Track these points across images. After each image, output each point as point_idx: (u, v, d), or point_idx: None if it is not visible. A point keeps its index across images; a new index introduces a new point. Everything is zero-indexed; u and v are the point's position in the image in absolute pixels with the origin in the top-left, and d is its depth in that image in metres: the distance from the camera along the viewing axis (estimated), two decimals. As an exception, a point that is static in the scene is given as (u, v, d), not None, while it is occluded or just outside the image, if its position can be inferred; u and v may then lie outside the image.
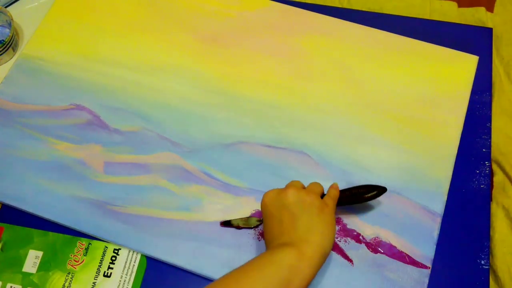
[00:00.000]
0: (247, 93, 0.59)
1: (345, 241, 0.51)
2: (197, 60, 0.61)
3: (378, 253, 0.51)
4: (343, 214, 0.52)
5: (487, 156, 0.57)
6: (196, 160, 0.55)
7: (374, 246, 0.51)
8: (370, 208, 0.52)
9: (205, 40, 0.62)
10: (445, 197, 0.53)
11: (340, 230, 0.52)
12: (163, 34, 0.62)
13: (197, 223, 0.53)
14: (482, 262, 0.52)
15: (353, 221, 0.52)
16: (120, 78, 0.60)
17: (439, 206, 0.52)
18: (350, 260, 0.51)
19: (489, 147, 0.57)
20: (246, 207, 0.53)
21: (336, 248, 0.51)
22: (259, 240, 0.52)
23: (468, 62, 0.59)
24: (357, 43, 0.61)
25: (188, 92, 0.59)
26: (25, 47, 0.62)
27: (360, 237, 0.52)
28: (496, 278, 0.53)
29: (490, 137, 0.57)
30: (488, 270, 0.51)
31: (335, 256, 0.51)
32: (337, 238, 0.51)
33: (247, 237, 0.52)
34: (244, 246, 0.51)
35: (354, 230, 0.52)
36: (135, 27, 0.63)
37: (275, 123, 0.57)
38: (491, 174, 0.56)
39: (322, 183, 0.51)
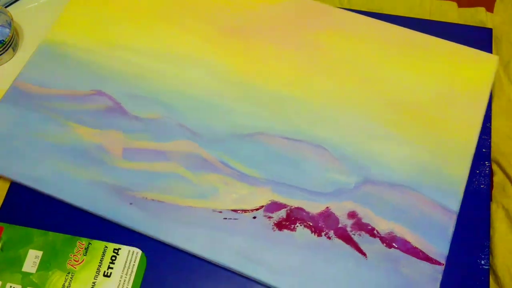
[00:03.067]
0: (267, 85, 0.53)
1: (359, 235, 0.46)
2: (218, 51, 0.55)
3: (392, 248, 0.45)
4: (358, 208, 0.47)
5: (487, 156, 0.51)
6: (214, 149, 0.50)
7: (389, 241, 0.45)
8: (385, 203, 0.47)
9: (226, 32, 0.56)
10: (461, 195, 0.47)
11: (354, 224, 0.46)
12: (186, 24, 0.56)
13: (213, 211, 0.47)
14: (482, 262, 0.46)
15: (368, 216, 0.46)
16: (142, 66, 0.54)
17: (455, 203, 0.47)
18: (363, 254, 0.45)
19: (489, 147, 0.51)
20: (261, 197, 0.47)
21: (350, 241, 0.46)
22: (274, 231, 0.46)
23: (489, 62, 0.53)
24: (378, 39, 0.55)
25: (208, 82, 0.53)
26: (49, 32, 0.56)
27: (375, 232, 0.46)
28: (496, 278, 0.47)
29: (490, 137, 0.51)
30: (488, 270, 0.46)
31: (348, 249, 0.45)
32: (351, 231, 0.46)
33: (263, 227, 0.46)
34: (259, 235, 0.46)
35: (369, 224, 0.46)
36: (159, 16, 0.57)
37: (294, 116, 0.51)
38: (491, 174, 0.50)
39: (338, 177, 0.47)
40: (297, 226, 0.46)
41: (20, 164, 0.49)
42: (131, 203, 0.47)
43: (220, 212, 0.47)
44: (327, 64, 0.53)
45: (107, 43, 0.55)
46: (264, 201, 0.47)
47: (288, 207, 0.47)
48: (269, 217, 0.46)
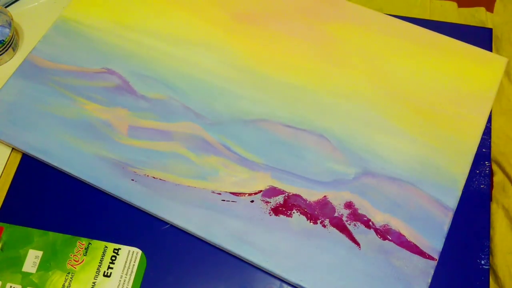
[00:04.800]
0: (273, 72, 0.50)
1: (355, 225, 0.43)
2: (227, 37, 0.52)
3: (386, 240, 0.42)
4: (355, 198, 0.44)
5: (487, 156, 0.47)
6: (217, 132, 0.47)
7: (383, 233, 0.43)
8: (383, 196, 0.44)
9: (237, 18, 0.53)
10: (459, 193, 0.44)
11: (350, 214, 0.44)
12: (199, 9, 0.53)
13: (212, 193, 0.44)
14: (482, 262, 0.43)
15: (364, 207, 0.44)
16: (152, 48, 0.52)
17: (452, 201, 0.44)
18: (357, 244, 0.42)
19: (489, 147, 0.48)
20: (260, 182, 0.45)
21: (345, 230, 0.43)
22: (270, 216, 0.43)
23: (497, 63, 0.49)
24: (387, 34, 0.51)
25: (216, 67, 0.50)
26: (65, 10, 0.54)
27: (370, 223, 0.43)
28: (496, 278, 0.43)
29: (490, 137, 0.48)
30: (488, 270, 0.43)
31: (343, 238, 0.43)
32: (347, 221, 0.43)
33: (260, 211, 0.44)
34: (255, 219, 0.43)
35: (365, 216, 0.44)
36: (173, 0, 0.54)
37: (298, 105, 0.48)
38: (491, 174, 0.47)
39: (338, 167, 0.44)
40: (294, 212, 0.44)
41: (28, 135, 0.48)
42: (132, 179, 0.46)
43: (219, 193, 0.45)
44: (336, 56, 0.51)
45: (121, 24, 0.54)
46: (262, 186, 0.45)
47: (286, 193, 0.45)
48: (267, 202, 0.45)
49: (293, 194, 0.45)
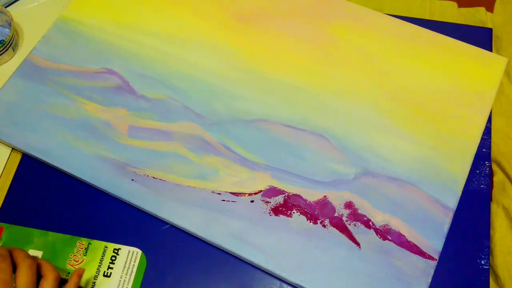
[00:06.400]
0: (273, 72, 0.50)
1: (355, 225, 0.43)
2: (227, 37, 0.52)
3: (386, 240, 0.42)
4: (355, 198, 0.44)
5: (487, 156, 0.47)
6: (217, 132, 0.47)
7: (383, 233, 0.43)
8: (383, 196, 0.44)
9: (237, 18, 0.53)
10: (459, 193, 0.44)
11: (350, 214, 0.43)
12: (199, 9, 0.53)
13: (212, 193, 0.44)
14: (482, 262, 0.43)
15: (364, 207, 0.44)
16: (152, 48, 0.52)
17: (452, 201, 0.44)
18: (357, 244, 0.42)
19: (489, 147, 0.47)
20: (260, 182, 0.45)
21: (345, 230, 0.43)
22: (270, 216, 0.43)
23: (497, 63, 0.49)
24: (387, 34, 0.51)
25: (216, 67, 0.50)
26: (65, 10, 0.54)
27: (370, 223, 0.43)
28: (496, 278, 0.43)
29: (490, 137, 0.48)
30: (488, 270, 0.43)
31: (343, 238, 0.43)
32: (347, 221, 0.43)
33: (259, 211, 0.43)
34: (255, 219, 0.43)
35: (365, 216, 0.43)
36: (173, 0, 0.54)
37: (298, 105, 0.48)
38: (491, 174, 0.47)
39: (338, 167, 0.44)
40: (294, 212, 0.44)
41: (28, 135, 0.48)
42: (132, 179, 0.46)
43: (219, 193, 0.45)
44: (336, 56, 0.51)
45: (121, 24, 0.54)
46: (262, 186, 0.45)
47: (286, 193, 0.45)
48: (267, 202, 0.45)
49: (293, 194, 0.45)
